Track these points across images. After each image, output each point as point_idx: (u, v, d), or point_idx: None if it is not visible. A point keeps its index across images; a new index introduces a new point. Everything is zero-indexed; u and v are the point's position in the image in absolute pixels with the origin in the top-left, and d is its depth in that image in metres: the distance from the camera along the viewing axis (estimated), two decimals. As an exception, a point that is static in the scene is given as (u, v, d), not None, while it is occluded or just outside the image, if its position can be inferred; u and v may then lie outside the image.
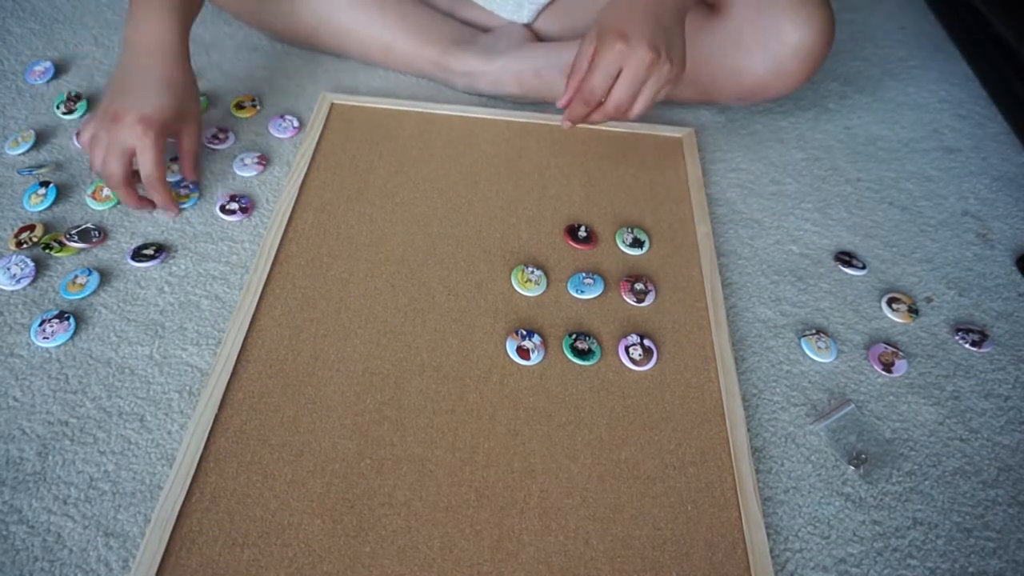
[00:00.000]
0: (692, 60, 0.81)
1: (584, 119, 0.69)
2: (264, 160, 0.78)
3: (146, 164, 0.66)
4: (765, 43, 0.76)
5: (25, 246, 0.66)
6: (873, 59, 1.06)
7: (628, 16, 0.64)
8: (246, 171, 0.77)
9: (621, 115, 0.67)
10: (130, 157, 0.66)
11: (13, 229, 0.68)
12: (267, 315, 0.63)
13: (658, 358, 0.64)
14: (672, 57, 0.64)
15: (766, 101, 0.87)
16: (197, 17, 0.73)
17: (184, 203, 0.72)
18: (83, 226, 0.68)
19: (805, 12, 0.74)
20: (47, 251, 0.66)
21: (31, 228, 0.67)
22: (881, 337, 0.69)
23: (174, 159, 0.77)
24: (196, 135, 0.73)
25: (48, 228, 0.69)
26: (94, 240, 0.67)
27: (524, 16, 0.87)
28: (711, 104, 0.90)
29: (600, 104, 0.67)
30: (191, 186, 0.74)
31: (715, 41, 0.78)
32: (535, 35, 0.89)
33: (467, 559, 0.51)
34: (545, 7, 0.88)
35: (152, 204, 0.71)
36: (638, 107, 0.66)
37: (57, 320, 0.61)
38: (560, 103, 0.69)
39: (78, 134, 0.73)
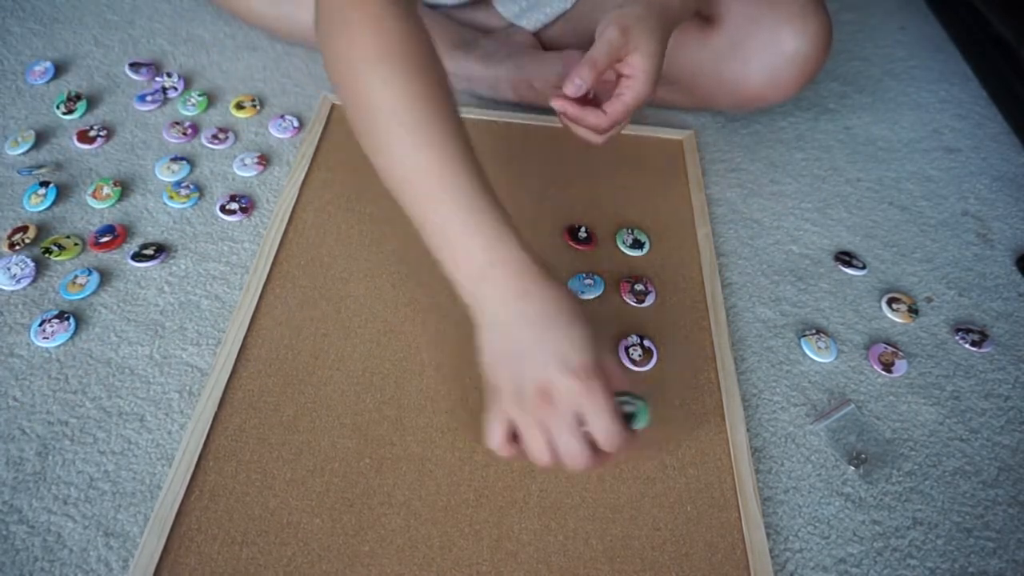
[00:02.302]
0: (688, 70, 0.81)
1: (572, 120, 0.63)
2: (264, 160, 0.78)
3: (606, 426, 0.46)
4: (761, 53, 0.76)
5: (18, 247, 0.66)
6: (873, 59, 1.06)
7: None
8: (246, 171, 0.77)
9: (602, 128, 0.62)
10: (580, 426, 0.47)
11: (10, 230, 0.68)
12: (267, 315, 0.63)
13: (658, 358, 0.64)
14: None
15: (763, 109, 0.86)
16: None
17: (184, 203, 0.72)
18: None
19: (801, 21, 0.74)
20: (47, 255, 0.66)
21: (24, 229, 0.67)
22: (881, 337, 0.69)
23: (175, 159, 0.77)
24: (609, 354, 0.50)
25: (42, 229, 0.69)
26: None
27: (529, 24, 0.87)
28: (708, 110, 0.90)
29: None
30: (191, 186, 0.74)
31: (710, 52, 0.78)
32: (538, 40, 0.89)
33: (466, 558, 0.51)
34: (554, 20, 0.88)
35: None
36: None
37: (57, 320, 0.61)
38: (572, 91, 0.59)
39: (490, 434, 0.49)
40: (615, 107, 0.60)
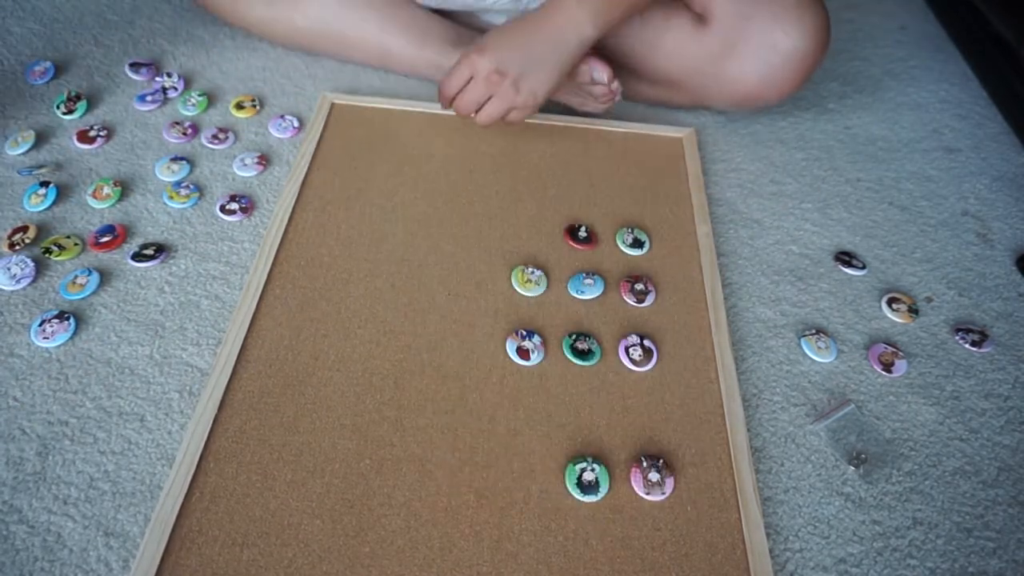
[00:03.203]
0: (684, 70, 0.81)
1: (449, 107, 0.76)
2: (264, 160, 0.78)
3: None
4: (757, 51, 0.76)
5: (18, 247, 0.66)
6: (873, 59, 1.06)
7: (498, 38, 0.72)
8: (246, 171, 0.77)
9: (465, 115, 0.75)
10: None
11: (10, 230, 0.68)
12: (267, 315, 0.63)
13: (658, 358, 0.64)
14: (523, 87, 0.71)
15: (760, 108, 0.86)
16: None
17: (184, 203, 0.72)
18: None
19: (796, 18, 0.73)
20: (47, 255, 0.66)
21: (24, 229, 0.67)
22: (881, 337, 0.69)
23: (175, 159, 0.77)
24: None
25: (42, 229, 0.69)
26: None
27: None
28: (706, 109, 0.90)
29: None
30: (191, 186, 0.74)
31: (706, 52, 0.78)
32: None
33: (467, 559, 0.51)
34: None
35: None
36: (480, 117, 0.74)
37: (57, 320, 0.61)
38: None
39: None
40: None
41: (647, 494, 0.55)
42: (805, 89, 0.97)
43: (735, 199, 0.82)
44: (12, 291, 0.64)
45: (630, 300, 0.68)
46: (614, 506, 0.54)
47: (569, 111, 0.87)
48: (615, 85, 0.79)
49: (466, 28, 0.90)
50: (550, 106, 0.87)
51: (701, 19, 0.78)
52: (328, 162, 0.78)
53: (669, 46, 0.80)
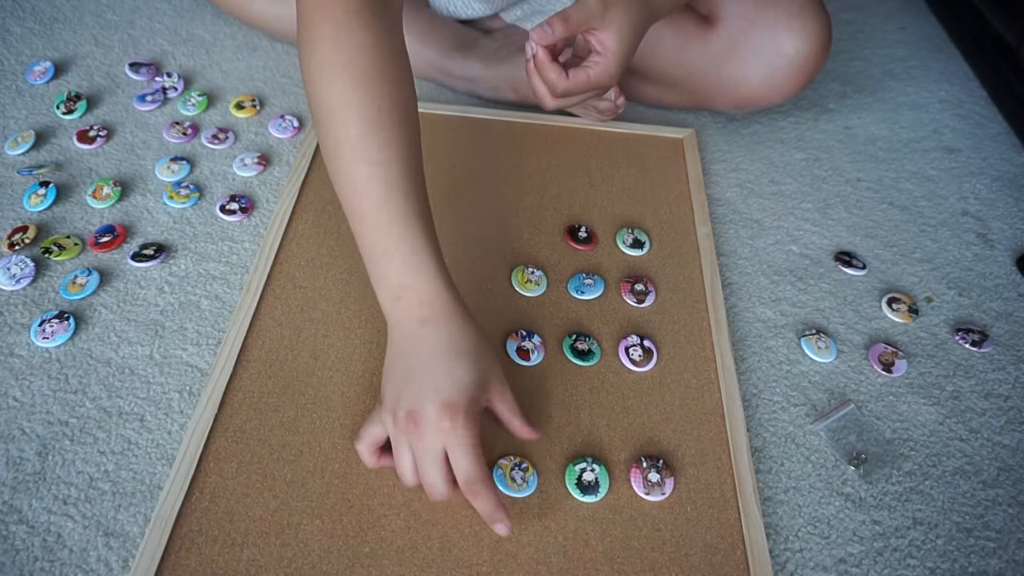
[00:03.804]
0: (687, 72, 0.81)
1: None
2: (264, 160, 0.78)
3: (464, 464, 0.47)
4: (760, 54, 0.76)
5: (18, 247, 0.66)
6: (873, 59, 1.06)
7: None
8: (246, 171, 0.77)
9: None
10: (445, 460, 0.48)
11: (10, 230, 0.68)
12: (267, 315, 0.63)
13: (658, 359, 0.64)
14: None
15: (762, 109, 0.86)
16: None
17: (184, 203, 0.72)
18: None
19: (800, 22, 0.74)
20: (47, 255, 0.66)
21: (24, 229, 0.67)
22: (881, 337, 0.69)
23: (175, 159, 0.77)
24: (508, 396, 0.52)
25: (41, 229, 0.69)
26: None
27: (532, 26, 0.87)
28: (708, 110, 0.90)
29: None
30: (191, 186, 0.74)
31: (709, 54, 0.78)
32: None
33: (466, 559, 0.51)
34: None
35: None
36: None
37: (57, 320, 0.61)
38: (538, 34, 0.60)
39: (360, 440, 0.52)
40: (577, 74, 0.61)
41: (647, 494, 0.55)
42: (805, 89, 0.97)
43: (735, 199, 0.82)
44: (12, 291, 0.64)
45: (630, 300, 0.68)
46: (614, 506, 0.54)
47: (569, 111, 0.87)
48: (621, 100, 0.79)
49: (469, 29, 0.90)
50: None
51: (706, 21, 0.78)
52: (328, 162, 0.78)
53: (672, 47, 0.80)
